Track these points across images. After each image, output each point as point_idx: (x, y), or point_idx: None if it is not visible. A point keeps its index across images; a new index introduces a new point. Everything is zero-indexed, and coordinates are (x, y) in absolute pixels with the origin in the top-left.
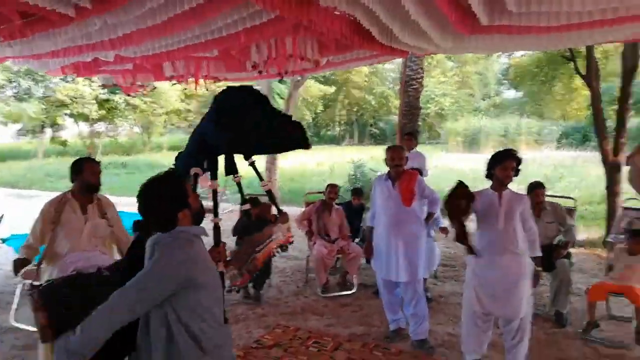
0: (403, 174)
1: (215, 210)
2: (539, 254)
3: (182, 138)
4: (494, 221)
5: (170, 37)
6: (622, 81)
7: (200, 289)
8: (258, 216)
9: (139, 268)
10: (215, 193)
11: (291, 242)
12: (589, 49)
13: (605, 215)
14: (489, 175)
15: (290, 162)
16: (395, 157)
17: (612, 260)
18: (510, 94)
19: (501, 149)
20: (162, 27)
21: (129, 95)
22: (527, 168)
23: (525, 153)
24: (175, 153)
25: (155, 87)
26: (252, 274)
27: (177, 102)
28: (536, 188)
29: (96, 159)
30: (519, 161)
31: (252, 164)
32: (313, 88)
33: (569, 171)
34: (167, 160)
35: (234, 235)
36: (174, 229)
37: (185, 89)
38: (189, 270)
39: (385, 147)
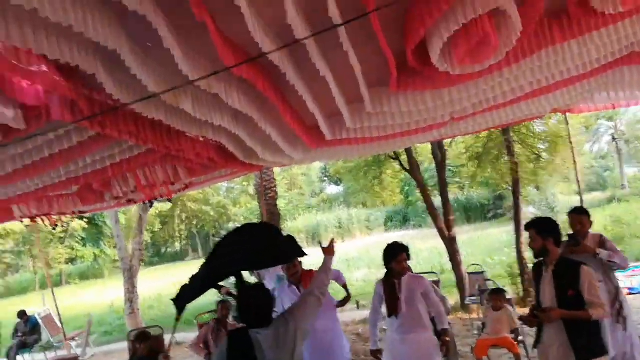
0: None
1: None
2: (446, 326)
3: None
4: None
5: (30, 180)
6: (437, 170)
7: None
8: (150, 350)
9: None
10: None
11: None
12: (408, 150)
13: (455, 282)
14: (387, 267)
15: (142, 288)
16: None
17: (483, 319)
18: (333, 189)
19: (390, 244)
20: (24, 171)
21: None
22: (370, 252)
23: (361, 239)
24: None
25: None
26: None
27: None
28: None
29: None
30: (408, 252)
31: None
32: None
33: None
34: None
35: None
36: None
37: None
38: None
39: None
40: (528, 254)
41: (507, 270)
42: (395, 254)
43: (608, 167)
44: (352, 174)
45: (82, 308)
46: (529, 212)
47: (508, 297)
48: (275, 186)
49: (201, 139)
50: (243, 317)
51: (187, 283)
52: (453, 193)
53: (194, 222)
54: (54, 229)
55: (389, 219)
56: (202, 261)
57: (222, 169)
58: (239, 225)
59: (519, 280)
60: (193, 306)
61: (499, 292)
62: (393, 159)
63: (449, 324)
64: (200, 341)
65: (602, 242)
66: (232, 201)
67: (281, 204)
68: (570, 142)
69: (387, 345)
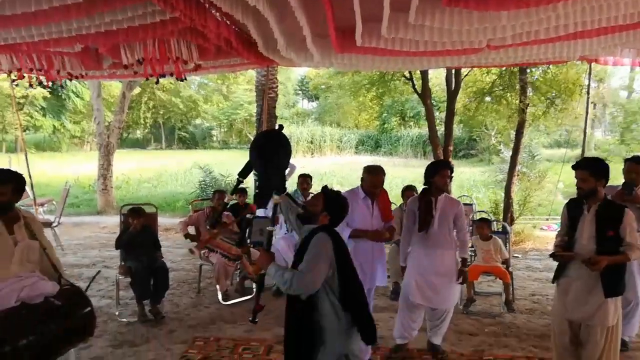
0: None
1: None
2: (466, 255)
3: None
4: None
5: (35, 28)
6: (448, 100)
7: None
8: (143, 227)
9: None
10: None
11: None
12: (424, 74)
13: None
14: (427, 183)
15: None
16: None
17: (474, 248)
18: (306, 104)
19: (435, 160)
20: (43, 14)
21: None
22: (342, 170)
23: (331, 157)
24: None
25: None
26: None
27: None
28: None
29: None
30: (452, 169)
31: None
32: (113, 87)
33: None
34: None
35: (117, 249)
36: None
37: None
38: None
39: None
40: (518, 195)
41: (491, 208)
42: (440, 169)
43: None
44: (344, 90)
45: (40, 178)
46: (508, 155)
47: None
48: (277, 87)
49: (227, 21)
50: (335, 216)
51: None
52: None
53: (161, 112)
54: (30, 86)
55: (361, 142)
56: (164, 153)
57: (235, 57)
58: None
59: (500, 217)
60: (179, 193)
61: (484, 221)
62: (407, 79)
63: None
64: (192, 223)
65: None
66: (204, 97)
67: (253, 108)
68: (588, 93)
69: (412, 260)
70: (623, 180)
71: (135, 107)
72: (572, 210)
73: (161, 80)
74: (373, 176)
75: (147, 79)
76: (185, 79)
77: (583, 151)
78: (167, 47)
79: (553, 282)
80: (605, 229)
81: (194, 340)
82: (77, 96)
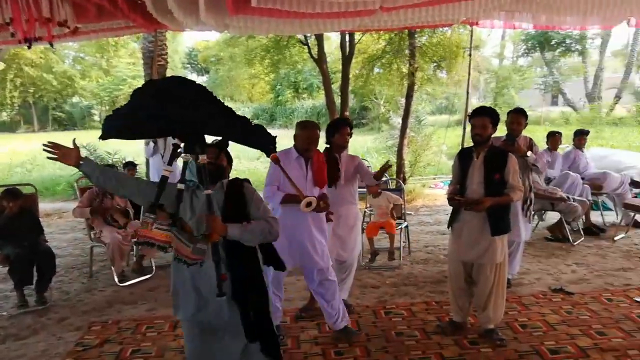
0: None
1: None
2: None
3: None
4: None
5: None
6: (342, 66)
7: None
8: (21, 209)
9: None
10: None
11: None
12: (319, 38)
13: None
14: (328, 142)
15: None
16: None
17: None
18: (195, 78)
19: (334, 119)
20: None
21: None
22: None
23: None
24: None
25: None
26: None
27: None
28: None
29: None
30: (351, 126)
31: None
32: None
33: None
34: None
35: None
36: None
37: None
38: None
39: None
40: (409, 157)
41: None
42: (339, 127)
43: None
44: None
45: None
46: (397, 122)
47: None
48: (166, 54)
49: None
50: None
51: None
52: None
53: (31, 91)
54: None
55: (256, 115)
56: (37, 136)
57: (119, 19)
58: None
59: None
60: (58, 177)
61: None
62: (303, 44)
63: None
64: (86, 205)
65: (530, 144)
66: (81, 73)
67: (138, 83)
68: (470, 55)
69: None
70: (506, 132)
71: (1, 86)
72: (463, 159)
73: (30, 54)
74: (306, 131)
75: (20, 43)
76: (52, 45)
77: (466, 111)
78: (36, 6)
79: (448, 228)
80: (492, 173)
81: (90, 325)
82: None
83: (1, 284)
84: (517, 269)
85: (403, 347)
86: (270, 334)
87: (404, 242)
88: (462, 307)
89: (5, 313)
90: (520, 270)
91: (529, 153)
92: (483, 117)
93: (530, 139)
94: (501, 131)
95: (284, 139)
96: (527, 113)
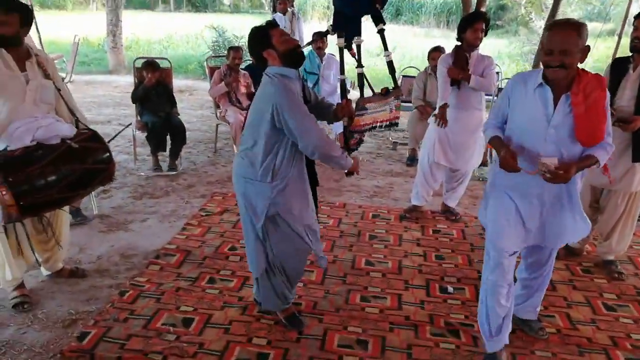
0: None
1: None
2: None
3: None
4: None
5: None
6: None
7: None
8: (158, 81)
9: None
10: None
11: (397, 121)
12: None
13: None
14: (459, 39)
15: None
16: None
17: None
18: None
19: (469, 12)
20: None
21: None
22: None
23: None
24: None
25: None
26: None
27: None
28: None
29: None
30: (487, 21)
31: (381, 31)
32: None
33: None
34: None
35: (133, 102)
36: (265, 67)
37: None
38: None
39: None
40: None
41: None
42: (473, 22)
43: None
44: None
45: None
46: (539, 26)
47: None
48: None
49: None
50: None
51: None
52: None
53: None
54: None
55: None
56: (173, 14)
57: None
58: None
59: None
60: (190, 56)
61: None
62: None
63: None
64: (217, 82)
65: None
66: None
67: None
68: None
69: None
70: None
71: None
72: (617, 70)
73: None
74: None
75: None
76: None
77: (625, 17)
78: None
79: None
80: None
81: (213, 195)
82: None
83: (140, 148)
84: None
85: None
86: None
87: None
88: None
89: (143, 174)
90: None
91: None
92: None
93: None
94: None
95: (408, 36)
96: None
